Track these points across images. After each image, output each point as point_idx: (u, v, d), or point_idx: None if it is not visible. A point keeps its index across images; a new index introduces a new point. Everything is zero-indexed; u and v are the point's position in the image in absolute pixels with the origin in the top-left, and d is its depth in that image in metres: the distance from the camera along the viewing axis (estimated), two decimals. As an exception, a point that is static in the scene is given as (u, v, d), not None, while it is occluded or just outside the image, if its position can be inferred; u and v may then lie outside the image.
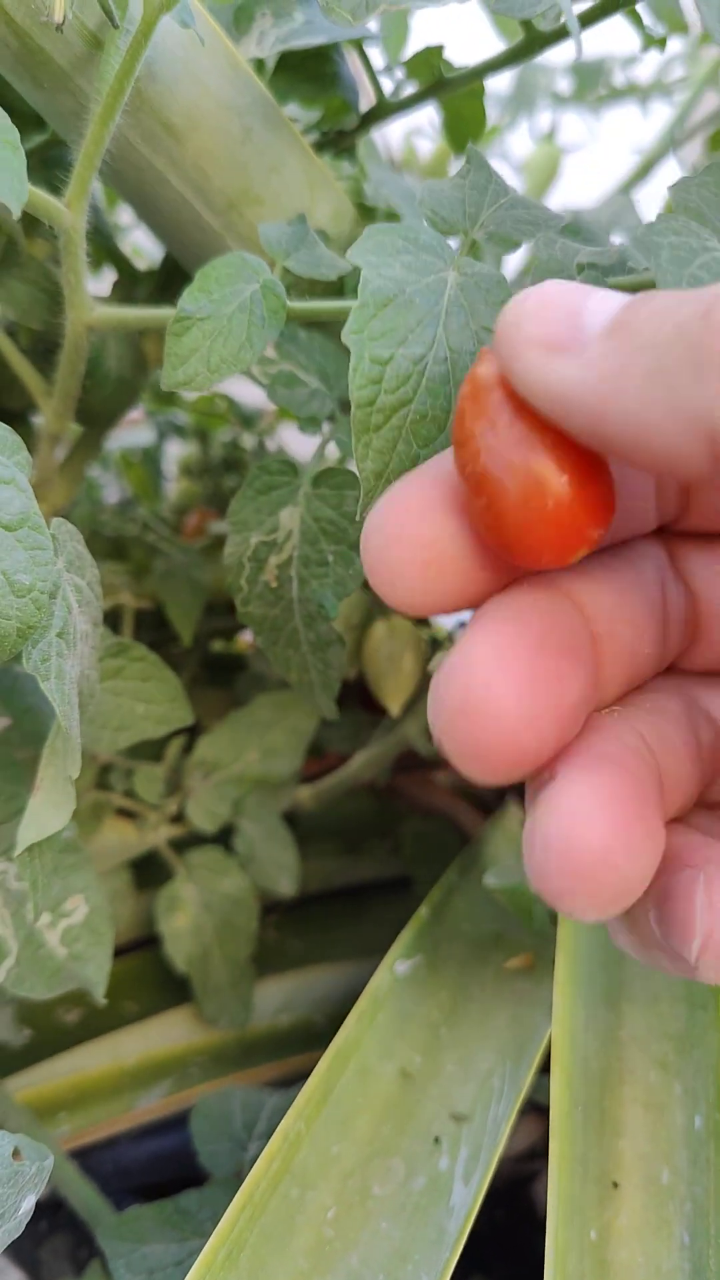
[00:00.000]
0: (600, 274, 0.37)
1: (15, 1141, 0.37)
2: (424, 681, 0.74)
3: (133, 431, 1.08)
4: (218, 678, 0.88)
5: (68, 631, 0.38)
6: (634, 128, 1.07)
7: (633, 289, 0.37)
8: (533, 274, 0.36)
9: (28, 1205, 0.38)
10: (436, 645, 0.80)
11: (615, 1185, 0.51)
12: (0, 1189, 0.36)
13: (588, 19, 0.44)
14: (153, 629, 0.80)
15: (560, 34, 0.45)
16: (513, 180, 0.99)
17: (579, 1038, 0.55)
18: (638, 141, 1.01)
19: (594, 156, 1.06)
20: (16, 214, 0.33)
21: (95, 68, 0.42)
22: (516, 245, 0.38)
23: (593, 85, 1.08)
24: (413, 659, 0.71)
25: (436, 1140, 0.54)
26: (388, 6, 0.39)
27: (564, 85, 1.09)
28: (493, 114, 1.04)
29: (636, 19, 0.47)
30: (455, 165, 1.02)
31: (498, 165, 1.01)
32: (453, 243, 0.39)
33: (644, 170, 0.96)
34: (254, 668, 0.83)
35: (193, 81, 0.45)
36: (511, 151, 0.99)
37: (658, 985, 0.58)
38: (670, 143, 0.95)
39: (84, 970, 0.49)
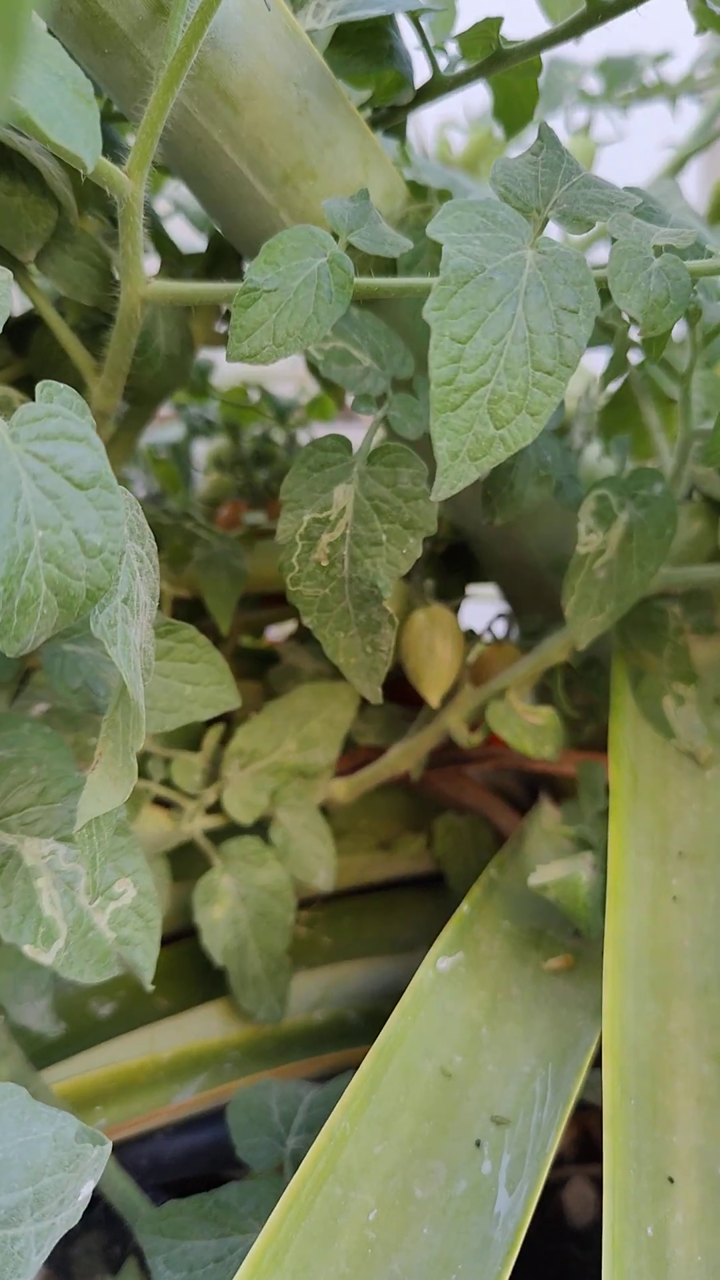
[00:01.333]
0: (678, 256, 0.36)
1: (76, 1124, 0.36)
2: (463, 672, 0.73)
3: (161, 428, 1.08)
4: (249, 670, 0.87)
5: (132, 598, 0.37)
6: (663, 126, 1.07)
7: (711, 273, 0.36)
8: (612, 254, 0.36)
9: (86, 1191, 0.37)
10: (474, 637, 0.79)
11: (671, 1180, 0.50)
12: (61, 1173, 0.35)
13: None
14: (186, 618, 0.79)
15: (625, 2, 0.44)
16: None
17: (629, 1029, 0.54)
18: (668, 139, 1.01)
19: (624, 155, 1.05)
20: (91, 167, 0.33)
21: (158, 34, 0.42)
22: (589, 225, 0.37)
23: (622, 83, 1.07)
24: (452, 649, 0.70)
25: (478, 1144, 0.53)
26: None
27: (593, 84, 1.08)
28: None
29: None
30: (486, 162, 1.02)
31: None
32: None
33: (678, 166, 0.96)
34: (287, 660, 0.83)
35: (252, 50, 0.44)
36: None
37: (707, 975, 0.57)
38: (705, 138, 0.94)
39: (133, 955, 0.48)
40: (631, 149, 1.05)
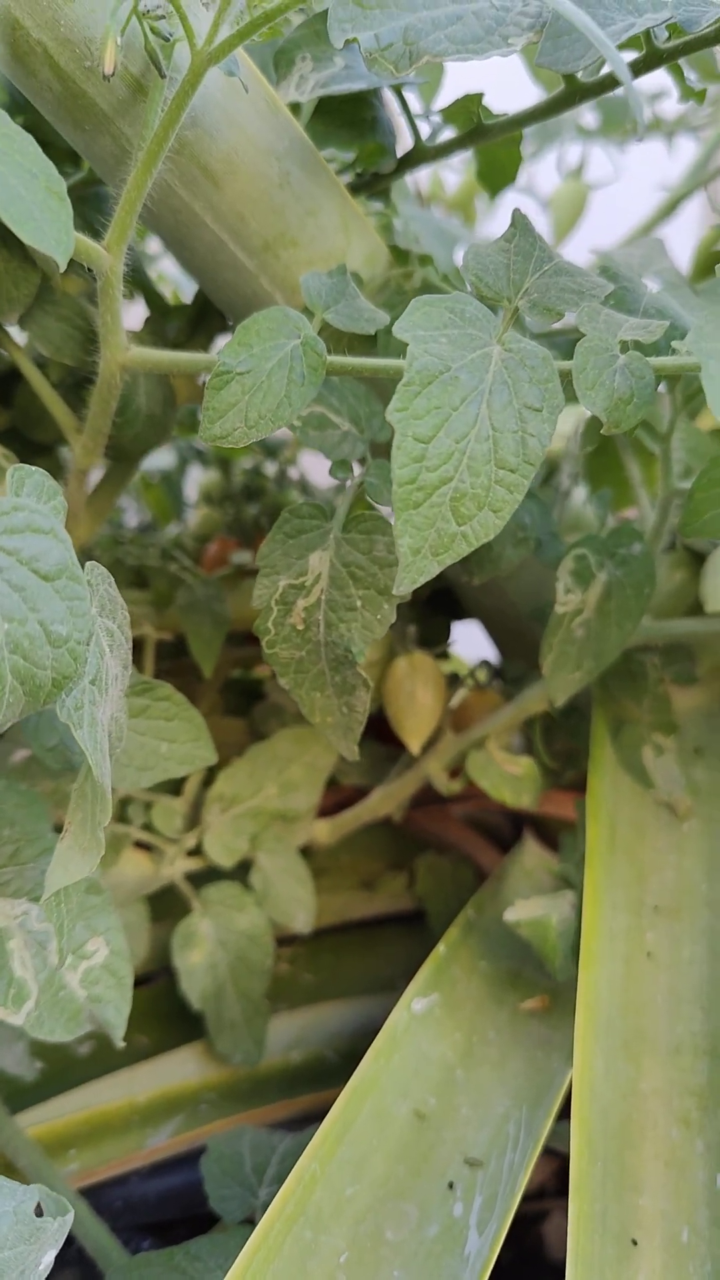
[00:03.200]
0: (644, 352, 0.37)
1: (38, 1196, 0.37)
2: (444, 719, 0.74)
3: (153, 455, 1.08)
4: (235, 706, 0.88)
5: (100, 678, 0.37)
6: (660, 164, 1.07)
7: (676, 373, 0.37)
8: (578, 352, 0.36)
9: (47, 1261, 0.37)
10: (456, 681, 0.80)
11: (634, 1243, 0.50)
12: (21, 1246, 0.36)
13: (636, 70, 0.44)
14: (171, 657, 0.79)
15: (603, 85, 0.45)
16: (539, 216, 1.00)
17: (599, 1089, 0.54)
18: (664, 178, 1.01)
19: (620, 192, 1.06)
20: (63, 266, 0.33)
21: (138, 112, 0.42)
22: (559, 315, 0.38)
23: (619, 121, 1.08)
24: (433, 696, 0.71)
25: (451, 1185, 0.54)
26: (431, 58, 0.39)
27: (590, 120, 1.09)
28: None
29: (679, 73, 0.47)
30: (482, 199, 1.02)
31: (523, 201, 1.01)
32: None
33: (671, 207, 0.96)
34: (272, 698, 0.83)
35: (233, 126, 0.45)
36: (538, 185, 0.99)
37: (680, 1035, 0.57)
38: (698, 180, 0.95)
39: (104, 1012, 0.48)
40: (628, 188, 1.05)
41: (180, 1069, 0.69)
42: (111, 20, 0.35)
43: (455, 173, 0.99)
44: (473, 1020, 0.64)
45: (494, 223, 1.04)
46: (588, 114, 1.09)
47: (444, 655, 0.83)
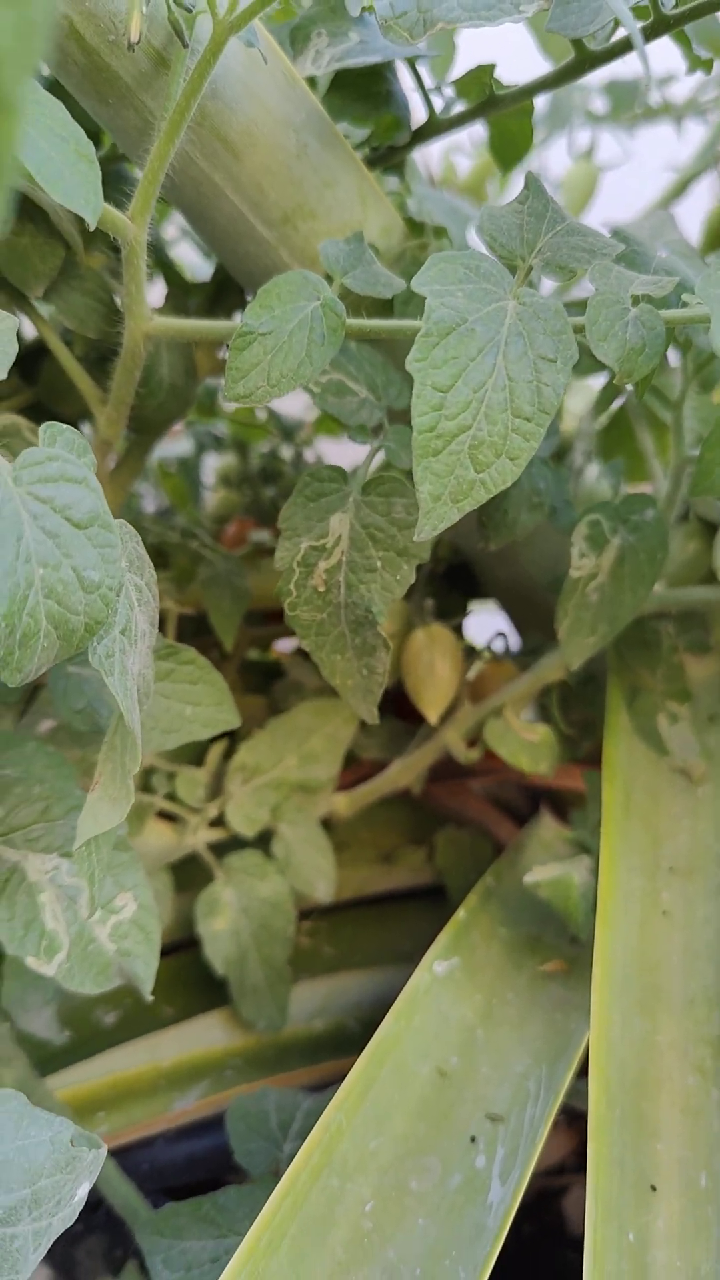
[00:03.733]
0: (655, 305, 0.38)
1: (70, 1130, 0.38)
2: (461, 689, 0.75)
3: (171, 443, 1.10)
4: (255, 684, 0.89)
5: (130, 628, 0.39)
6: (669, 147, 1.08)
7: (685, 322, 0.38)
8: (590, 304, 0.37)
9: (82, 1193, 0.39)
10: (473, 654, 0.81)
11: (653, 1189, 0.51)
12: (58, 1175, 0.37)
13: (648, 34, 0.45)
14: (192, 635, 0.81)
15: (611, 52, 0.46)
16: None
17: (616, 1043, 0.55)
18: (673, 160, 1.02)
19: (629, 175, 1.06)
20: (93, 225, 0.35)
21: (160, 84, 0.44)
22: (572, 273, 0.39)
23: (628, 105, 1.09)
24: (451, 667, 0.72)
25: (473, 1139, 0.55)
26: (444, 25, 0.41)
27: (599, 105, 1.10)
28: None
29: (685, 42, 0.48)
30: (493, 183, 1.03)
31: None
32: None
33: (680, 188, 0.97)
34: (291, 675, 0.84)
35: (252, 99, 0.46)
36: (549, 169, 1.00)
37: (694, 990, 0.58)
38: (706, 161, 0.96)
39: (133, 966, 0.49)
40: (637, 171, 1.06)
41: (205, 1035, 0.70)
42: (136, -9, 0.36)
43: (467, 157, 1.00)
44: (493, 984, 0.65)
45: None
46: (596, 99, 1.10)
47: (458, 631, 0.84)
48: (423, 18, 0.41)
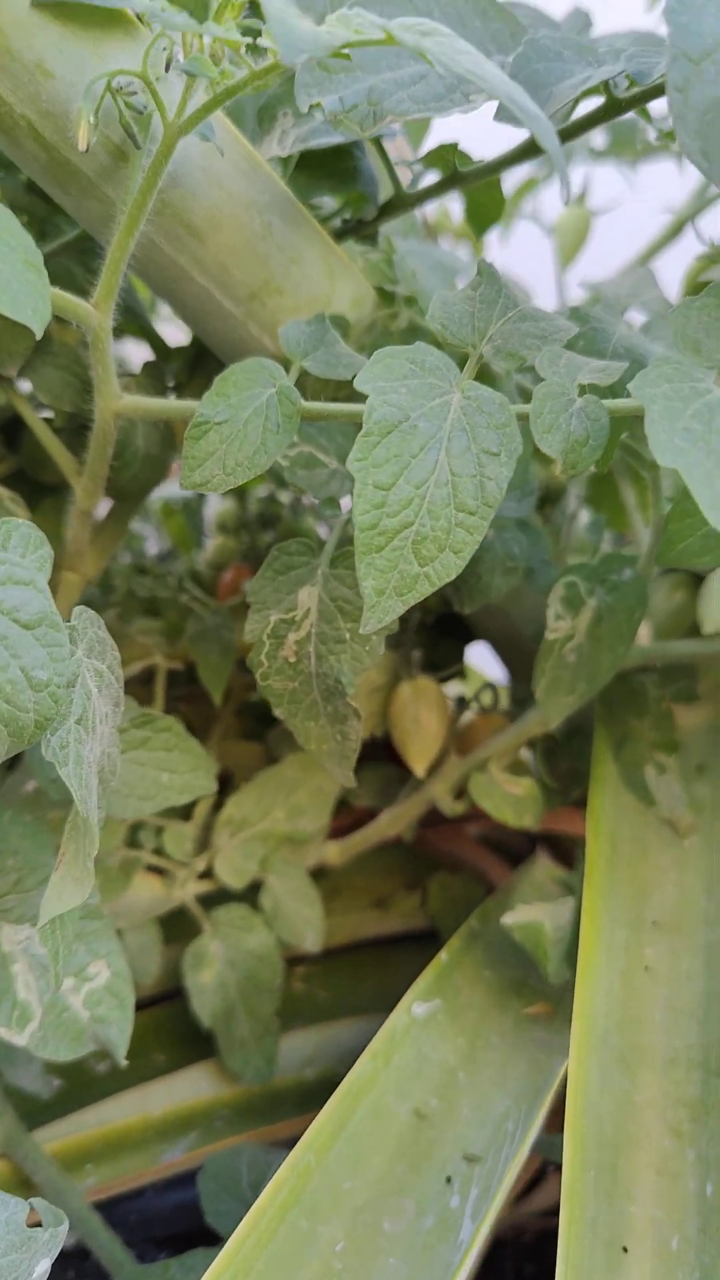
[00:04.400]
0: (601, 395, 0.38)
1: (32, 1205, 0.39)
2: (448, 741, 0.75)
3: (174, 483, 1.11)
4: (251, 730, 0.90)
5: (87, 717, 0.39)
6: (671, 184, 1.08)
7: (627, 416, 0.38)
8: (535, 396, 0.38)
9: (41, 1269, 0.39)
10: (463, 704, 0.81)
11: (625, 1250, 0.51)
12: (14, 1254, 0.37)
13: (597, 119, 0.46)
14: (187, 683, 0.81)
15: (568, 133, 0.47)
16: (543, 241, 1.01)
17: (594, 1101, 0.55)
18: (670, 201, 1.03)
19: (629, 212, 1.07)
20: (39, 334, 0.36)
21: (121, 175, 0.45)
22: (522, 360, 0.40)
23: (628, 141, 1.09)
24: (437, 720, 0.72)
25: (449, 1180, 0.55)
26: (394, 118, 0.41)
27: (599, 140, 1.10)
28: (528, 170, 1.05)
29: (647, 116, 0.48)
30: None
31: (529, 227, 1.03)
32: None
33: (675, 230, 0.97)
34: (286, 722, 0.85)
35: (214, 185, 0.47)
36: (543, 211, 1.01)
37: (676, 1049, 0.58)
38: (702, 203, 0.96)
39: (107, 1032, 0.50)
40: (637, 209, 1.06)
41: (194, 1086, 0.71)
42: (85, 100, 0.37)
43: (460, 203, 1.01)
44: (476, 1026, 0.66)
45: (505, 250, 1.06)
46: (597, 135, 1.11)
47: (460, 674, 0.85)
48: (373, 110, 0.42)
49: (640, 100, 0.44)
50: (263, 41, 0.32)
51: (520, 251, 1.10)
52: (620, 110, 0.45)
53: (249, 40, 0.34)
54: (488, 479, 0.36)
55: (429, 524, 0.36)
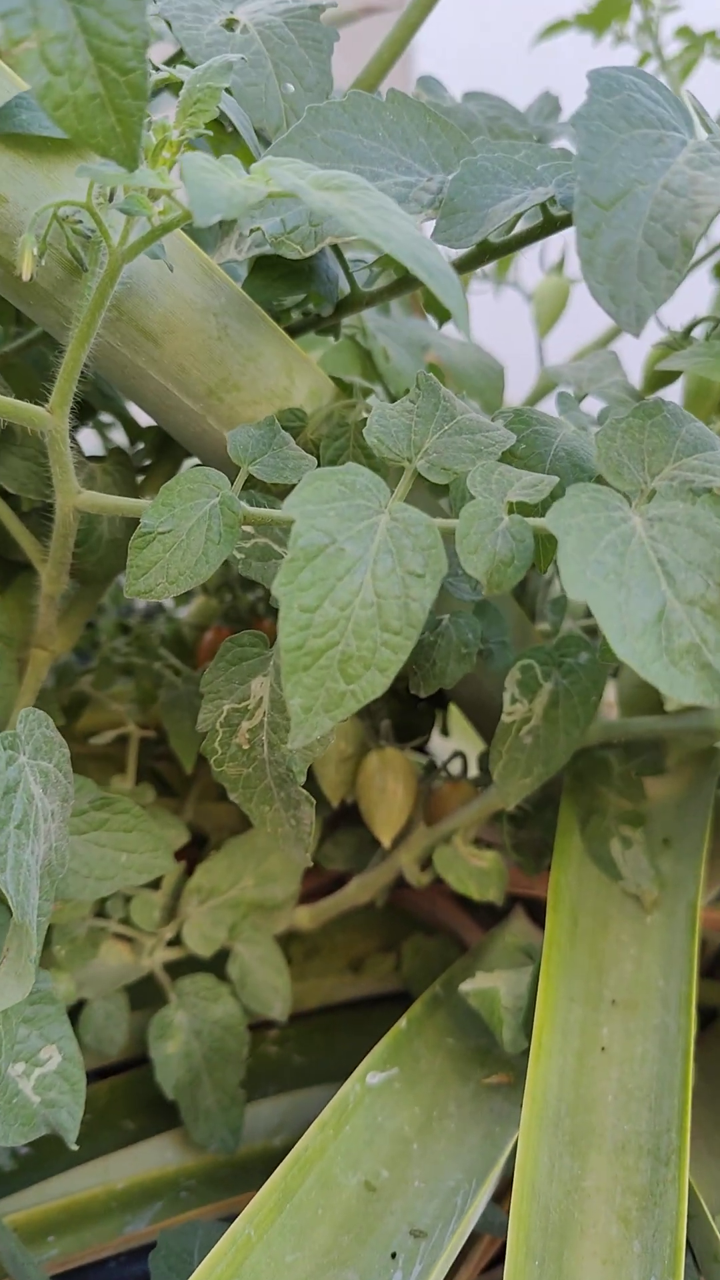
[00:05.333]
0: (528, 513, 0.39)
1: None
2: (416, 811, 0.76)
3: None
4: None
5: (28, 821, 0.41)
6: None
7: (548, 536, 0.39)
8: (462, 516, 0.39)
9: None
10: (432, 770, 0.82)
11: (570, 1344, 0.51)
12: None
13: (534, 235, 0.47)
14: (162, 743, 0.82)
15: (508, 245, 0.48)
16: (521, 309, 1.03)
17: (541, 1187, 0.56)
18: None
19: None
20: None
21: (77, 288, 0.46)
22: (455, 474, 0.41)
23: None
24: (404, 790, 0.73)
25: (394, 1255, 0.55)
26: (333, 239, 0.43)
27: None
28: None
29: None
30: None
31: (508, 294, 1.04)
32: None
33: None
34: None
35: (168, 291, 0.48)
36: (522, 279, 1.02)
37: (626, 1134, 0.59)
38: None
39: (57, 1116, 0.51)
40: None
41: (159, 1155, 0.71)
42: (29, 234, 0.39)
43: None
44: (434, 1094, 0.66)
45: (498, 304, 1.07)
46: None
47: (443, 730, 0.86)
48: (314, 231, 0.43)
49: (571, 221, 0.45)
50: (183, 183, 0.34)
51: (507, 311, 1.12)
52: (556, 228, 0.46)
53: (180, 184, 0.35)
54: (412, 600, 0.37)
55: (354, 644, 0.37)
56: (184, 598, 1.08)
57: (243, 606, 0.98)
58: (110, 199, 0.39)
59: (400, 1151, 0.61)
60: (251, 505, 0.46)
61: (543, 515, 0.40)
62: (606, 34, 1.10)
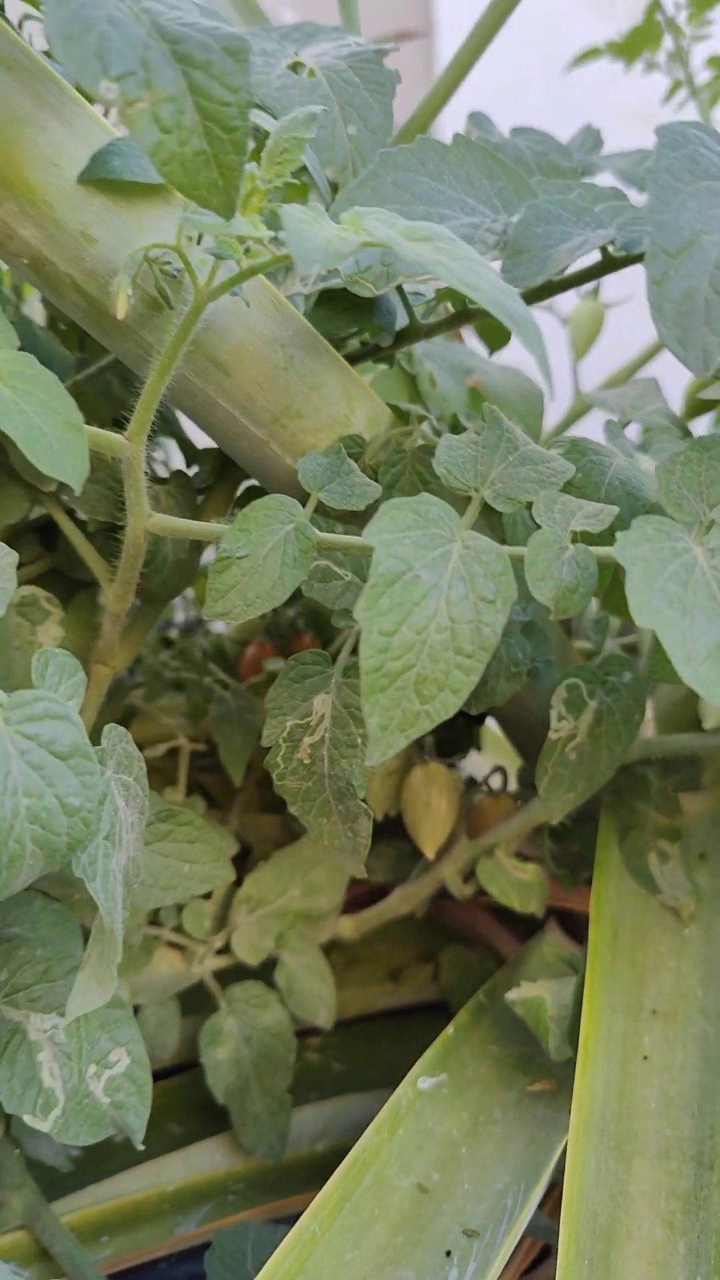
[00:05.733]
0: (590, 541, 0.41)
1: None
2: (459, 825, 0.78)
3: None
4: (271, 801, 0.93)
5: (114, 832, 0.43)
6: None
7: (613, 563, 0.41)
8: (530, 545, 0.41)
9: None
10: (473, 784, 0.84)
11: (617, 1342, 0.53)
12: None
13: (592, 274, 0.49)
14: (210, 755, 0.85)
15: (572, 281, 0.50)
16: (555, 332, 1.05)
17: (589, 1191, 0.58)
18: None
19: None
20: (79, 490, 0.39)
21: (156, 322, 0.48)
22: (520, 504, 0.43)
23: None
24: (448, 804, 0.75)
25: (448, 1253, 0.57)
26: (404, 279, 0.45)
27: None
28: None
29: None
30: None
31: (543, 318, 1.06)
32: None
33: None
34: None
35: (241, 325, 0.51)
36: (557, 304, 1.04)
37: (669, 1140, 0.60)
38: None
39: (124, 1118, 0.53)
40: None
41: (208, 1159, 0.73)
42: (123, 274, 0.41)
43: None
44: (480, 1101, 0.68)
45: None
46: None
47: (477, 746, 0.88)
48: (386, 271, 0.46)
49: (633, 261, 0.47)
50: (284, 235, 0.36)
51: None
52: (614, 267, 0.48)
53: (272, 234, 0.38)
54: (484, 624, 0.39)
55: (429, 666, 0.39)
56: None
57: (283, 622, 1.00)
58: (198, 241, 0.41)
59: (449, 1155, 0.62)
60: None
61: (604, 544, 0.42)
62: (637, 61, 1.13)
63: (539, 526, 0.46)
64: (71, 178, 0.43)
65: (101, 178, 0.43)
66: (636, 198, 0.55)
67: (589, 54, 1.16)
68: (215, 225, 0.36)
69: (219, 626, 1.09)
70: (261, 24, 1.01)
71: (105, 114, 0.49)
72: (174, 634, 1.09)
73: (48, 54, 0.46)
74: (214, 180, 0.35)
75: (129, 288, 0.41)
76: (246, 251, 0.40)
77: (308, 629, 0.98)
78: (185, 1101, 0.77)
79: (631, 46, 1.13)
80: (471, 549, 0.40)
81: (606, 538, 0.43)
